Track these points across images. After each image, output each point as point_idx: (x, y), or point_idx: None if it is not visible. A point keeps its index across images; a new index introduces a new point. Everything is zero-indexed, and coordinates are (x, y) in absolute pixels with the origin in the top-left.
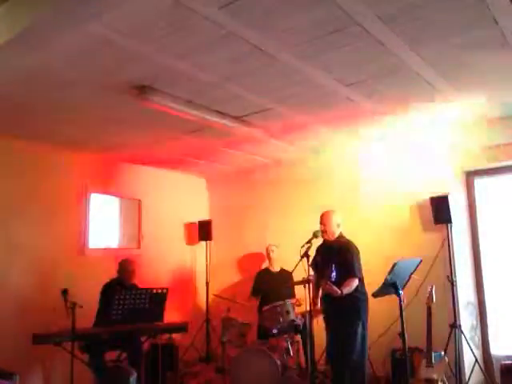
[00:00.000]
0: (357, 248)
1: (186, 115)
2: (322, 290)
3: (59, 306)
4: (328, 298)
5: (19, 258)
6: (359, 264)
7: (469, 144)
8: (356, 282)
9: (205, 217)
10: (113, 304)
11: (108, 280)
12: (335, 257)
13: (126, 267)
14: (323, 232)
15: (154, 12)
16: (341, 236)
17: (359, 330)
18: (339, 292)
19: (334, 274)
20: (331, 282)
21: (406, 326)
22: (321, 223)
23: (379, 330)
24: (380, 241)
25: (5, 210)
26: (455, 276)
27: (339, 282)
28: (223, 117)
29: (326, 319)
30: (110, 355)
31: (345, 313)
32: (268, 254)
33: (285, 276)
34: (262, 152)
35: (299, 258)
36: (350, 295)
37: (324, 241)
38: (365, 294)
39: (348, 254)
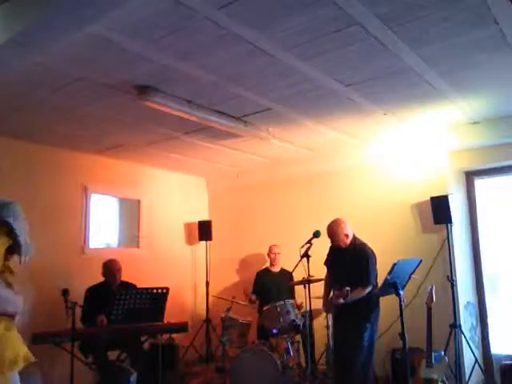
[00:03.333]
0: (372, 252)
1: (186, 115)
2: (333, 302)
3: (59, 306)
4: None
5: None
6: (374, 270)
7: (469, 144)
8: (367, 290)
9: (205, 217)
10: (112, 305)
11: (93, 284)
12: (348, 262)
13: (108, 268)
14: (337, 245)
15: (154, 12)
16: (354, 240)
17: (367, 333)
18: (342, 301)
19: (347, 288)
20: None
21: (406, 326)
22: (328, 236)
23: (379, 330)
24: (380, 241)
25: None
26: (455, 276)
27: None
28: (223, 117)
29: (335, 319)
30: (110, 355)
31: (354, 314)
32: (269, 255)
33: (285, 276)
34: (262, 152)
35: (299, 258)
36: (363, 298)
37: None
38: (377, 297)
39: (363, 260)
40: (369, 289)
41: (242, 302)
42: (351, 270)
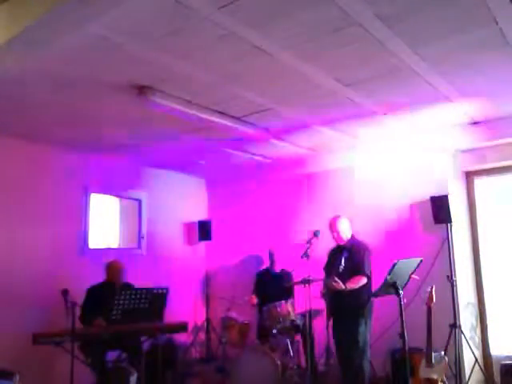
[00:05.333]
0: (368, 247)
1: (186, 115)
2: (327, 285)
3: (59, 306)
4: (333, 295)
5: (19, 258)
6: (369, 263)
7: (469, 144)
8: (364, 281)
9: (204, 217)
10: (112, 305)
11: (95, 284)
12: (345, 255)
13: (114, 268)
14: (335, 238)
15: (154, 12)
16: (353, 237)
17: (361, 329)
18: (343, 287)
19: (342, 266)
20: (338, 273)
21: (405, 326)
22: (331, 231)
23: (379, 330)
24: (380, 241)
25: (5, 209)
26: (455, 276)
27: (347, 280)
28: (223, 117)
29: (329, 316)
30: (110, 355)
31: (348, 311)
32: (269, 255)
33: (285, 276)
34: (262, 152)
35: (299, 258)
36: (355, 293)
37: (336, 244)
38: (371, 293)
39: (358, 252)
40: (364, 279)
41: (242, 302)
42: (348, 262)
